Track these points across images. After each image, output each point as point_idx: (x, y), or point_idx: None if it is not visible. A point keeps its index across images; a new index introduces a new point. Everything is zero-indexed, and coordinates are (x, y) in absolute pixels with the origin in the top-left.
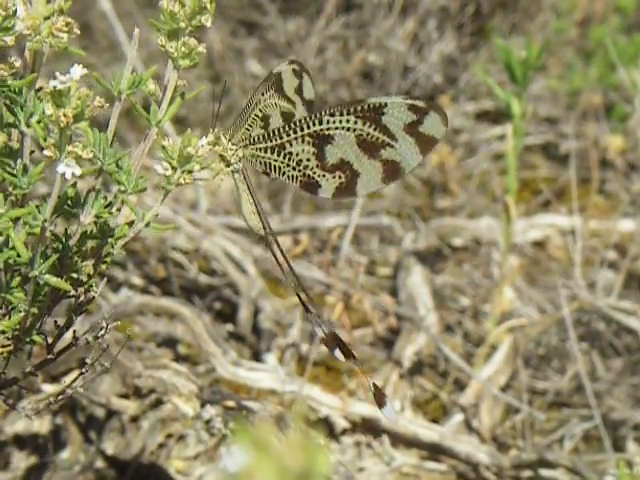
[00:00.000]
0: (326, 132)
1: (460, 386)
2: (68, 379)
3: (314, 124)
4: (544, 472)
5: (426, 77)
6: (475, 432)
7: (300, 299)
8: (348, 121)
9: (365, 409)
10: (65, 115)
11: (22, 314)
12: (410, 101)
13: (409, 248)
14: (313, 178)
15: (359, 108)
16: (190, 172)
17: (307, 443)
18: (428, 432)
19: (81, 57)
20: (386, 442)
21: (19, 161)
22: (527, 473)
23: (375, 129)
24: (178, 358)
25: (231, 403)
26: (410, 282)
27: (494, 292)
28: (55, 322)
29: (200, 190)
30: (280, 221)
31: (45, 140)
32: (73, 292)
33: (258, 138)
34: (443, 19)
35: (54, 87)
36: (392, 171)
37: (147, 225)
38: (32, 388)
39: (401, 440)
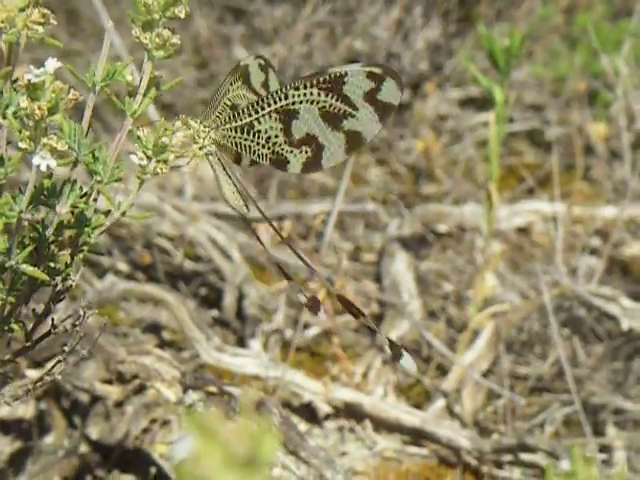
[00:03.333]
0: (292, 107)
1: (443, 371)
2: (50, 365)
3: (280, 99)
4: (524, 456)
5: (412, 64)
6: (457, 417)
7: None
8: (312, 94)
9: (348, 394)
10: (40, 108)
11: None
12: (368, 68)
13: (394, 234)
14: (282, 155)
15: (321, 79)
16: (165, 162)
17: (255, 429)
18: (410, 417)
19: (66, 43)
20: (369, 427)
21: None
22: (508, 457)
23: (337, 99)
24: (163, 344)
25: (213, 389)
26: (394, 268)
27: (476, 278)
28: (33, 310)
29: (186, 176)
30: (265, 208)
31: (20, 132)
32: (51, 281)
33: (228, 118)
34: (429, 6)
35: (29, 80)
36: (354, 142)
37: (123, 214)
38: (17, 373)
39: (383, 425)
